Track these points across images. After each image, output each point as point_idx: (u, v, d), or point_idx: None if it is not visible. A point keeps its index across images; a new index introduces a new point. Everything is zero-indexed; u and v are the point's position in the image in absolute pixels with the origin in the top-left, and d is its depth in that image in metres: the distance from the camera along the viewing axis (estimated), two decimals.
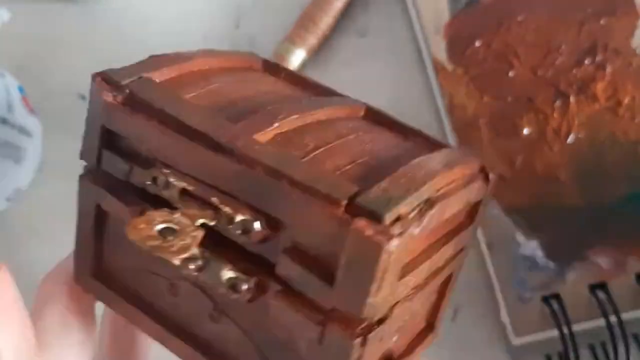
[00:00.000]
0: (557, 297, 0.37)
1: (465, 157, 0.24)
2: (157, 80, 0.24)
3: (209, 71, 0.26)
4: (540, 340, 0.37)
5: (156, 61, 0.24)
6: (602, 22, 0.40)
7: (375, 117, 0.26)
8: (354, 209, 0.19)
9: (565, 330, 0.36)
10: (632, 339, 0.38)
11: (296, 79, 0.28)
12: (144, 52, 0.48)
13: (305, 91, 0.27)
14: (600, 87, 0.39)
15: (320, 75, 0.46)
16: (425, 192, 0.21)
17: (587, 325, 0.36)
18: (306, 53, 0.45)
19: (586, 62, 0.40)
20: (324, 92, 0.27)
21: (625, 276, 0.37)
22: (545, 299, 0.37)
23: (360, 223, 0.19)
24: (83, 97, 0.47)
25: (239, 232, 0.21)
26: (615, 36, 0.40)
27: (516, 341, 0.37)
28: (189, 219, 0.21)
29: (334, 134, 0.23)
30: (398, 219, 0.19)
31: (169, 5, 0.49)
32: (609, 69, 0.40)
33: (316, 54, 0.46)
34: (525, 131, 0.39)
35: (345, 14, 0.46)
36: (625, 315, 0.36)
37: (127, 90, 0.23)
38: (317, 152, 0.22)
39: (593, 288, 0.37)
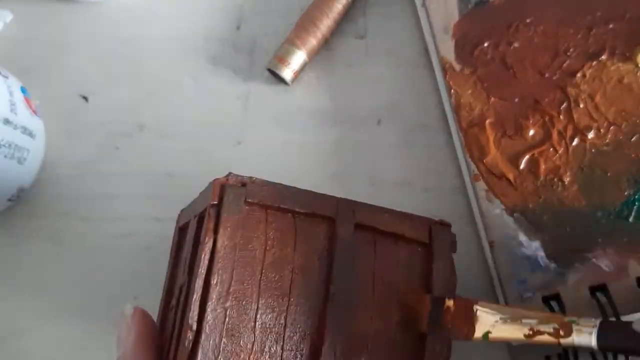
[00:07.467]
0: (557, 297, 0.37)
1: None
2: None
3: None
4: None
5: None
6: (610, 25, 0.40)
7: None
8: None
9: None
10: None
11: None
12: (145, 53, 0.48)
13: None
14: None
15: (320, 77, 0.46)
16: None
17: None
18: (306, 55, 0.45)
19: (593, 65, 0.40)
20: None
21: (626, 279, 0.37)
22: (546, 299, 0.37)
23: None
24: (85, 98, 0.47)
25: None
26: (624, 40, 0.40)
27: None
28: None
29: None
30: None
31: (170, 6, 0.49)
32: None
33: (316, 56, 0.46)
34: (531, 132, 0.40)
35: (345, 16, 0.47)
36: (625, 318, 0.36)
37: None
38: None
39: (593, 290, 0.37)
